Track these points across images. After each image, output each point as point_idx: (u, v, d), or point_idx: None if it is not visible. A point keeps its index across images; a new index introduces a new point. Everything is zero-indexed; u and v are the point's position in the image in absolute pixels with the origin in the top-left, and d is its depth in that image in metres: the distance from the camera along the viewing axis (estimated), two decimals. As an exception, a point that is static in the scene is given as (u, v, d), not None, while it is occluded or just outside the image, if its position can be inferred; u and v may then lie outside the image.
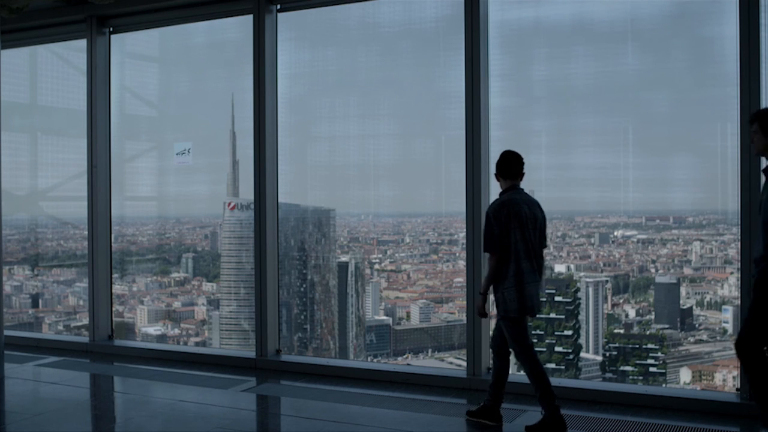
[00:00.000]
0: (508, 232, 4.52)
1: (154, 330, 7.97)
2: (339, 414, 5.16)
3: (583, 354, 6.22)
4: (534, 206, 4.67)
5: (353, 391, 5.72)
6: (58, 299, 8.84)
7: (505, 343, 4.73)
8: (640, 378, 5.90)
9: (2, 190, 6.56)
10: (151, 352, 7.19)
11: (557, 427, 4.50)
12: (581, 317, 6.25)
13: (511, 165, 4.66)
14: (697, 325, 6.06)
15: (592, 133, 6.07)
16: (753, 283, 4.09)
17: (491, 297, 4.75)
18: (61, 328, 8.55)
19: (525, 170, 4.70)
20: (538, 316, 4.80)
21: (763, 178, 4.15)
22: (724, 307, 5.93)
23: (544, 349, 6.15)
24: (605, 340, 6.21)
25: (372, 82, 6.99)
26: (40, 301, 8.88)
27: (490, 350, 4.89)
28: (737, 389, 5.05)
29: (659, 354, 5.93)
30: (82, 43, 7.46)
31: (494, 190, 5.78)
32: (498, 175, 4.73)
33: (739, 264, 4.99)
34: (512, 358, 4.82)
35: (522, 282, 4.53)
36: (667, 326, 6.03)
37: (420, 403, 5.37)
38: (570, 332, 6.16)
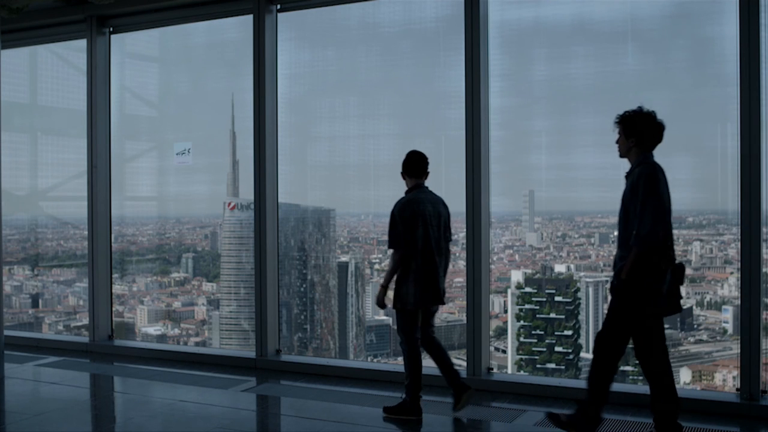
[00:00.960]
0: (411, 229, 4.77)
1: (154, 330, 7.97)
2: (339, 414, 5.17)
3: (583, 354, 6.22)
4: (438, 204, 4.91)
5: (353, 391, 5.72)
6: (58, 299, 8.84)
7: (425, 334, 5.03)
8: (640, 378, 5.90)
9: (2, 190, 6.56)
10: (151, 352, 7.19)
11: (414, 413, 4.92)
12: (581, 317, 6.25)
13: (415, 164, 4.91)
14: (697, 325, 6.06)
15: (592, 133, 6.07)
16: (611, 286, 4.20)
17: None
18: (61, 328, 8.55)
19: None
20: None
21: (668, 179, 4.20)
22: (724, 307, 5.93)
23: (544, 349, 6.16)
24: (605, 340, 6.20)
25: (372, 82, 6.99)
26: (40, 301, 8.88)
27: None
28: (737, 389, 5.05)
29: (659, 354, 5.92)
30: (82, 43, 7.46)
31: (494, 190, 5.79)
32: (404, 174, 4.96)
33: (739, 264, 4.99)
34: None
35: (422, 277, 4.80)
36: (667, 326, 6.01)
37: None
38: (570, 332, 6.16)
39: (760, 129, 4.88)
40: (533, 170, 6.33)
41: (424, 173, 4.96)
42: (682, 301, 4.21)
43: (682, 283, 4.20)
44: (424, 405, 4.97)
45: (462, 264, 6.23)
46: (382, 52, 6.84)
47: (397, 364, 6.75)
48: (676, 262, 4.17)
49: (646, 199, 4.02)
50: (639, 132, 4.19)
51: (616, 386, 5.61)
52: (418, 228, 4.78)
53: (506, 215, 6.59)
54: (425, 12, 6.50)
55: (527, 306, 6.28)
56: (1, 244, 6.49)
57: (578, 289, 6.27)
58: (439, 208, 4.93)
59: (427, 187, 4.96)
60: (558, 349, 6.15)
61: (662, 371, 4.21)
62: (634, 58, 5.89)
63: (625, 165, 4.29)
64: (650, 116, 4.21)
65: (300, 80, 6.97)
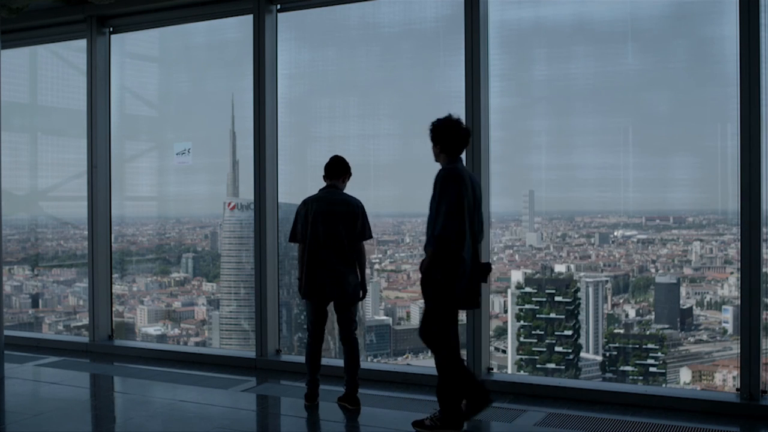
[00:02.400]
0: (308, 225, 5.13)
1: (154, 330, 7.97)
2: (339, 414, 5.17)
3: (583, 354, 6.22)
4: (341, 204, 5.16)
5: (353, 391, 5.71)
6: (58, 299, 8.84)
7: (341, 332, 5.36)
8: (640, 378, 5.90)
9: (2, 190, 6.56)
10: (151, 352, 7.19)
11: (313, 398, 5.30)
12: (581, 317, 6.25)
13: (332, 168, 5.25)
14: (697, 325, 6.06)
15: (592, 133, 6.07)
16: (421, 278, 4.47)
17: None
18: (61, 328, 8.55)
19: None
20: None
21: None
22: (724, 307, 5.93)
23: (544, 349, 6.16)
24: (605, 340, 6.21)
25: (372, 82, 6.98)
26: (40, 301, 8.88)
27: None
28: (737, 389, 5.05)
29: (659, 354, 5.93)
30: (82, 43, 7.46)
31: (494, 190, 5.79)
32: (324, 176, 5.31)
33: (739, 264, 4.99)
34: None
35: (313, 270, 5.12)
36: (667, 326, 6.03)
37: (420, 403, 5.37)
38: (570, 332, 6.16)
39: (760, 129, 4.87)
40: (533, 170, 6.33)
41: (341, 177, 5.25)
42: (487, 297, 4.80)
43: (485, 281, 4.66)
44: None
45: (462, 264, 6.22)
46: (382, 52, 6.84)
47: (396, 364, 6.76)
48: (484, 261, 4.66)
49: (440, 202, 4.33)
50: (443, 139, 4.50)
51: (616, 386, 5.63)
52: (317, 224, 5.12)
53: (506, 215, 6.59)
54: (425, 12, 6.50)
55: (527, 306, 6.28)
56: (1, 244, 6.49)
57: (578, 289, 6.27)
58: (339, 207, 5.14)
59: (338, 189, 5.25)
60: (558, 349, 6.14)
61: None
62: (634, 58, 5.89)
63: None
64: (454, 124, 4.52)
65: (300, 80, 6.97)
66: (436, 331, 4.47)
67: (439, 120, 4.55)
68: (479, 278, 4.56)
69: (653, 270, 6.19)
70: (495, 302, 6.43)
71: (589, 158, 6.06)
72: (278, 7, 6.64)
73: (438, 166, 4.56)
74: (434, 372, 5.06)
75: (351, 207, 5.17)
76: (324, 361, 5.41)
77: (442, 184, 4.36)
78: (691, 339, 6.02)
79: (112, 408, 5.76)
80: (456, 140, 4.50)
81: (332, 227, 5.11)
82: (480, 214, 4.58)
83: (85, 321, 7.79)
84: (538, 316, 6.24)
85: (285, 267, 6.80)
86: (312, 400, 5.32)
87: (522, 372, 6.21)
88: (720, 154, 5.45)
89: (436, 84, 6.53)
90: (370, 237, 5.27)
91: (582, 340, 6.25)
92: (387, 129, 6.80)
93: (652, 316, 6.11)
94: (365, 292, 5.35)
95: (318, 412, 5.22)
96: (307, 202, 5.22)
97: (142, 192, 8.18)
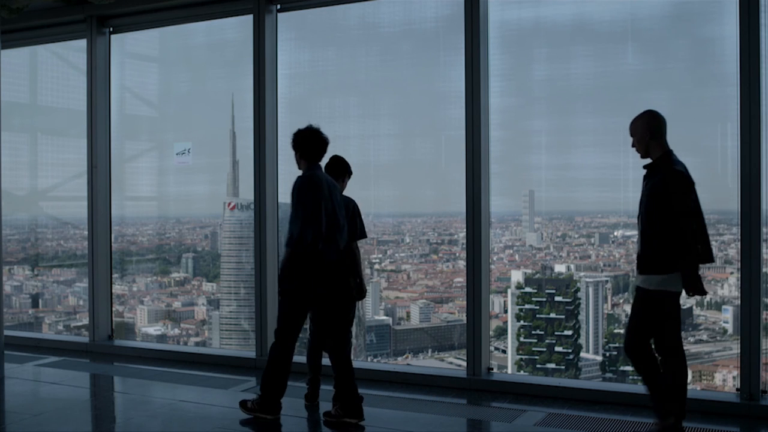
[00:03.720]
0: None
1: (154, 330, 7.97)
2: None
3: (583, 354, 6.22)
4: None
5: (353, 391, 5.71)
6: (58, 299, 8.84)
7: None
8: (640, 378, 5.89)
9: (2, 190, 6.56)
10: (151, 352, 7.19)
11: (313, 397, 5.37)
12: (581, 317, 6.25)
13: (331, 168, 5.26)
14: (697, 325, 6.06)
15: (592, 133, 6.07)
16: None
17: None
18: (61, 328, 8.55)
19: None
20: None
21: None
22: (724, 307, 5.93)
23: (544, 349, 6.16)
24: (605, 340, 6.21)
25: (372, 82, 6.98)
26: (40, 301, 8.88)
27: None
28: (737, 389, 5.05)
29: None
30: (82, 43, 7.46)
31: (494, 190, 5.79)
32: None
33: (739, 264, 4.99)
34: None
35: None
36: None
37: (420, 403, 5.37)
38: (570, 332, 6.16)
39: (760, 129, 4.88)
40: (533, 170, 6.33)
41: (338, 176, 5.25)
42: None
43: (359, 297, 5.11)
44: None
45: (462, 264, 6.24)
46: (382, 52, 6.84)
47: (396, 364, 6.76)
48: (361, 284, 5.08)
49: (297, 205, 4.71)
50: (302, 146, 4.90)
51: (616, 386, 5.63)
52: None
53: (506, 215, 6.58)
54: (425, 12, 6.50)
55: (527, 306, 6.28)
56: (1, 244, 6.49)
57: (578, 289, 6.27)
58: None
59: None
60: (558, 349, 6.15)
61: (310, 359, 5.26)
62: (634, 58, 5.89)
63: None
64: (314, 133, 4.92)
65: (300, 80, 6.97)
66: (281, 323, 4.84)
67: (299, 129, 4.96)
68: (347, 277, 4.99)
69: (653, 270, 6.18)
70: (495, 302, 6.43)
71: (588, 158, 6.06)
72: (278, 7, 6.64)
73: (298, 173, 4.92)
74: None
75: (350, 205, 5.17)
76: (325, 361, 5.40)
77: (300, 189, 4.75)
78: (691, 339, 6.02)
79: (112, 408, 5.76)
80: (314, 148, 4.90)
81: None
82: (341, 217, 4.88)
83: (85, 321, 7.79)
84: (538, 316, 6.24)
85: (285, 267, 6.79)
86: (312, 400, 5.32)
87: (522, 372, 6.21)
88: (720, 154, 5.45)
89: (436, 84, 6.53)
90: (363, 237, 5.26)
91: (582, 340, 6.25)
92: (387, 129, 6.80)
93: (652, 316, 6.10)
94: (362, 291, 5.29)
95: (318, 413, 5.21)
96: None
97: (142, 192, 8.18)
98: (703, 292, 4.10)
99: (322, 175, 4.89)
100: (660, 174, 4.19)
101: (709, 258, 4.24)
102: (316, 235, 4.66)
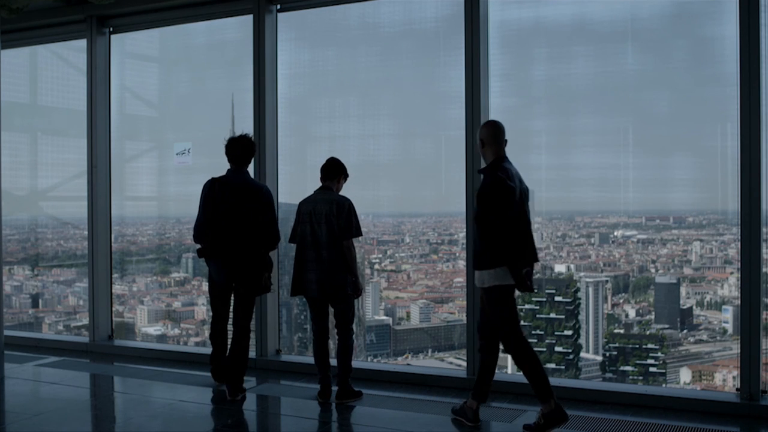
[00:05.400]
0: (298, 225, 5.46)
1: (154, 330, 7.97)
2: (339, 414, 5.16)
3: (583, 354, 6.22)
4: (324, 203, 5.34)
5: (353, 391, 5.71)
6: (58, 299, 8.83)
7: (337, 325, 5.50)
8: (640, 378, 5.90)
9: (2, 190, 6.56)
10: (151, 352, 7.19)
11: (325, 395, 5.44)
12: (581, 317, 6.25)
13: (327, 170, 5.49)
14: (697, 325, 6.06)
15: (592, 133, 6.07)
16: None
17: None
18: (61, 328, 8.55)
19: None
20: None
21: None
22: (724, 307, 5.93)
23: (544, 349, 6.15)
24: (605, 340, 6.21)
25: (372, 82, 6.98)
26: (40, 301, 8.88)
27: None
28: (737, 389, 5.05)
29: (659, 354, 5.93)
30: (82, 43, 7.46)
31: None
32: (320, 178, 5.53)
33: (739, 264, 4.99)
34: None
35: (299, 268, 5.41)
36: (667, 326, 6.04)
37: (420, 403, 5.37)
38: (570, 332, 6.16)
39: (760, 129, 4.88)
40: (533, 170, 6.31)
41: (332, 179, 5.46)
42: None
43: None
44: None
45: (462, 264, 6.23)
46: (382, 52, 6.84)
47: (396, 364, 6.76)
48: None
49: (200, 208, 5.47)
50: (226, 151, 5.48)
51: (616, 386, 5.63)
52: (305, 224, 5.41)
53: (506, 215, 6.56)
54: (425, 12, 6.50)
55: (527, 306, 6.28)
56: (1, 244, 6.49)
57: (578, 289, 6.27)
58: (323, 207, 5.33)
59: (328, 189, 5.44)
60: (558, 349, 6.15)
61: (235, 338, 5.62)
62: (634, 58, 5.89)
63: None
64: (230, 140, 5.50)
65: (300, 80, 6.97)
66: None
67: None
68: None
69: (653, 270, 6.19)
70: (495, 302, 6.41)
71: (589, 158, 6.06)
72: (278, 7, 6.64)
73: None
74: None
75: (333, 206, 5.28)
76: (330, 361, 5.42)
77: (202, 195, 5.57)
78: (691, 339, 6.02)
79: (112, 408, 5.76)
80: (227, 152, 5.52)
81: (316, 226, 5.32)
82: (220, 222, 5.38)
83: (85, 321, 7.79)
84: (538, 316, 6.24)
85: (285, 267, 6.80)
86: (325, 397, 5.41)
87: (521, 372, 6.19)
88: (720, 154, 5.45)
89: (436, 84, 6.53)
90: (358, 235, 5.37)
91: (582, 340, 6.25)
92: (387, 129, 6.80)
93: (652, 316, 6.11)
94: (358, 289, 5.38)
95: (319, 412, 5.21)
96: (300, 204, 5.49)
97: (142, 192, 8.18)
98: (529, 289, 4.62)
99: (232, 177, 5.49)
100: (487, 179, 4.55)
101: (534, 258, 4.62)
102: (200, 234, 5.48)
